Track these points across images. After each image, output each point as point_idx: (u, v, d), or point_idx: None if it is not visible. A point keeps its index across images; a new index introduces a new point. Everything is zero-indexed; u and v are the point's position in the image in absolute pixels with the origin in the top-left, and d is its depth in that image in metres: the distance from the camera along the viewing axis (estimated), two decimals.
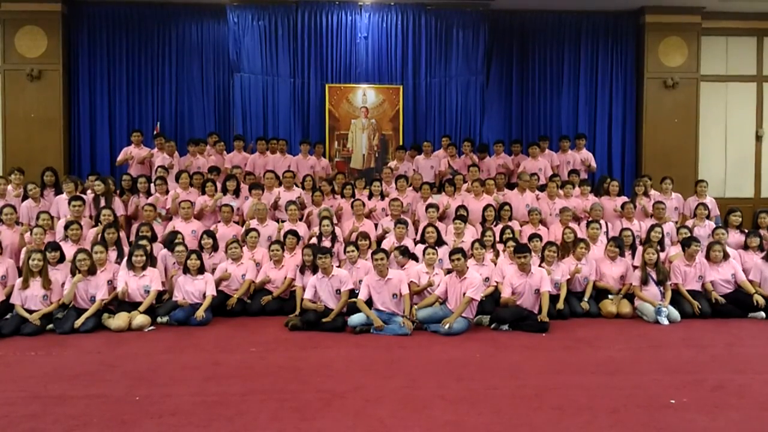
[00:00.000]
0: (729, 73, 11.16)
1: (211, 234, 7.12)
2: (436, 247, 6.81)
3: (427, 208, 7.81)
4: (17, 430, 3.66)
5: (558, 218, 7.81)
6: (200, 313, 6.13)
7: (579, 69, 10.98)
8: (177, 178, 8.23)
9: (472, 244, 6.76)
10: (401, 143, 10.36)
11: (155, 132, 10.09)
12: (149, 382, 4.48)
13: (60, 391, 4.30)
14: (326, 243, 7.09)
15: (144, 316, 6.05)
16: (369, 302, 6.12)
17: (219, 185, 8.25)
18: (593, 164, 9.58)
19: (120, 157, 9.08)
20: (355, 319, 5.99)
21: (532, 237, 7.07)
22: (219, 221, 7.68)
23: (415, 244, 7.37)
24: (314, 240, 7.26)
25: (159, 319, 6.19)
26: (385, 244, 7.26)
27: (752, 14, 10.83)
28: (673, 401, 4.11)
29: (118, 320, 5.95)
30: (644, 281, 6.54)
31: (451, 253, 6.10)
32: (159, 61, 10.63)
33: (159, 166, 8.53)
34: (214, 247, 7.07)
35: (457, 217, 7.48)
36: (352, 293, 6.25)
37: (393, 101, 10.59)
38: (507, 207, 7.83)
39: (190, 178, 8.20)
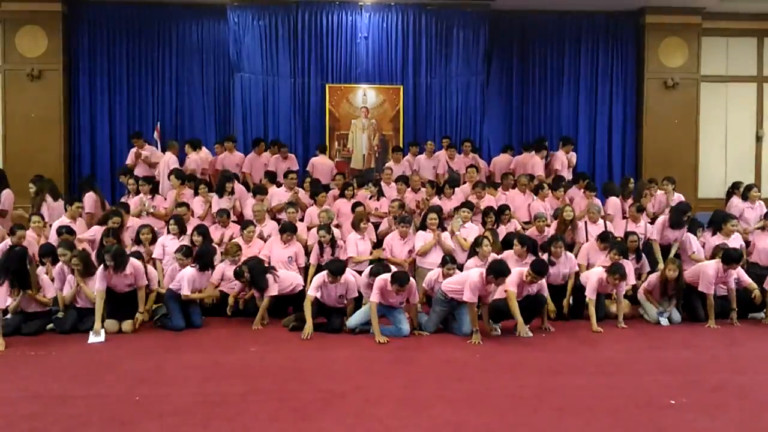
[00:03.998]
0: (729, 74, 11.16)
1: (202, 230, 6.98)
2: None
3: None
4: (17, 430, 3.66)
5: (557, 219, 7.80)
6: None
7: (579, 69, 10.97)
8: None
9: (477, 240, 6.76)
10: (401, 144, 10.36)
11: (156, 133, 10.09)
12: (149, 382, 4.48)
13: (60, 391, 4.30)
14: (327, 250, 7.00)
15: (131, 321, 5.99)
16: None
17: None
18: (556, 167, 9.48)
19: (129, 161, 9.17)
20: (354, 319, 5.96)
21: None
22: (216, 222, 7.66)
23: (416, 230, 7.36)
24: (316, 248, 7.08)
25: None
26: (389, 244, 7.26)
27: (752, 15, 10.83)
28: (673, 402, 4.11)
29: (110, 326, 5.87)
30: (663, 293, 6.40)
31: (444, 263, 6.11)
32: (159, 61, 10.63)
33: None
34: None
35: (465, 205, 7.48)
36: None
37: (393, 101, 10.59)
38: (507, 211, 7.78)
39: (191, 180, 8.24)
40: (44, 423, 3.74)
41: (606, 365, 4.93)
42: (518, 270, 5.86)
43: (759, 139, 11.22)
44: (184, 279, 6.11)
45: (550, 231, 7.70)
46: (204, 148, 9.45)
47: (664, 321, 6.21)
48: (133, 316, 6.01)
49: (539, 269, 5.71)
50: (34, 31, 10.04)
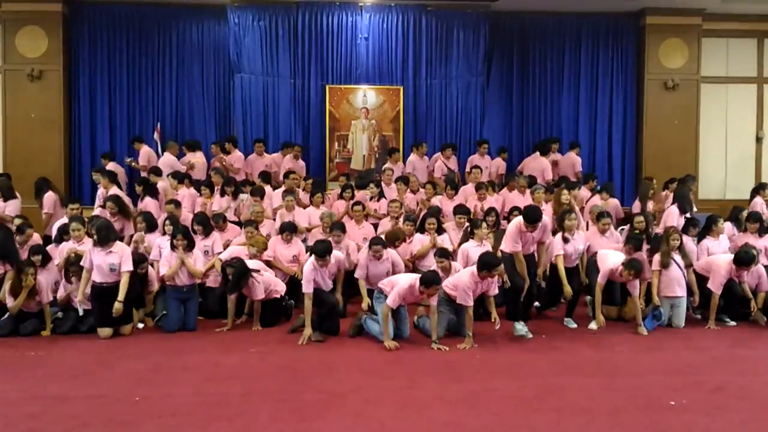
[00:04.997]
0: (729, 75, 11.16)
1: (202, 219, 6.99)
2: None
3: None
4: (17, 430, 3.66)
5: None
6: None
7: (579, 70, 10.97)
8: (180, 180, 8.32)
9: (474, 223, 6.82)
10: (401, 144, 10.37)
11: (156, 134, 10.09)
12: (149, 383, 4.48)
13: (59, 392, 4.30)
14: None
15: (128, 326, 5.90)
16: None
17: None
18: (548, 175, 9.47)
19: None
20: (375, 330, 5.74)
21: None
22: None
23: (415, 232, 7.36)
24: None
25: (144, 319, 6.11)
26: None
27: (753, 16, 10.82)
28: (673, 403, 4.11)
29: (104, 333, 5.76)
30: (665, 266, 6.27)
31: (437, 254, 6.11)
32: (159, 61, 10.62)
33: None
34: (206, 232, 6.92)
35: (460, 210, 7.45)
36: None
37: (393, 102, 10.59)
38: (515, 212, 7.68)
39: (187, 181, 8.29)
40: (44, 423, 3.75)
41: (606, 366, 4.93)
42: (516, 221, 5.69)
43: (759, 140, 11.22)
44: (161, 263, 6.10)
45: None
46: (198, 153, 9.47)
47: (643, 329, 5.99)
48: (128, 320, 5.88)
49: (532, 217, 5.50)
50: (35, 31, 10.02)
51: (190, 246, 6.23)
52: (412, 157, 9.65)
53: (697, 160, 10.85)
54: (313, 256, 5.86)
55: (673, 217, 7.35)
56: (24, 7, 9.93)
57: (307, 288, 5.72)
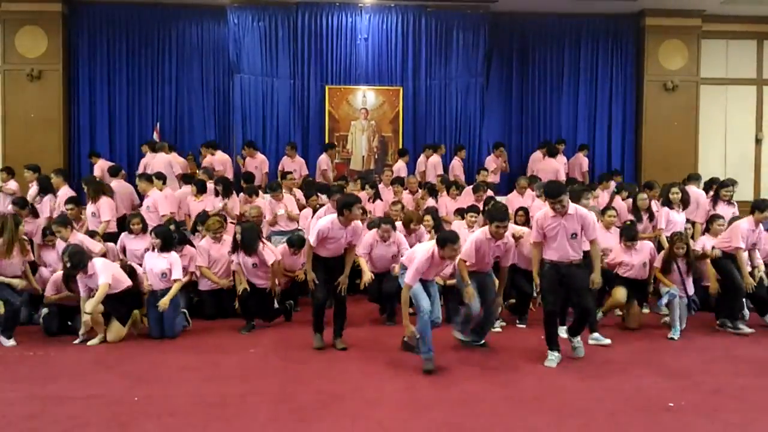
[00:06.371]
0: (729, 76, 11.18)
1: (204, 219, 6.92)
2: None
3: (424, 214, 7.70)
4: (16, 430, 3.66)
5: None
6: (164, 302, 5.64)
7: (579, 71, 11.00)
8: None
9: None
10: (401, 145, 10.38)
11: (155, 133, 10.09)
12: (148, 383, 4.48)
13: (59, 392, 4.30)
14: None
15: (118, 327, 5.69)
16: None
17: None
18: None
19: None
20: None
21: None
22: None
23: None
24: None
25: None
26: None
27: (752, 17, 10.85)
28: (671, 404, 4.11)
29: (114, 334, 5.66)
30: (666, 270, 6.20)
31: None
32: (159, 61, 10.64)
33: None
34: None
35: (471, 209, 7.40)
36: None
37: (393, 103, 10.60)
38: (521, 212, 7.60)
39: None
40: (43, 423, 3.75)
41: (604, 367, 4.93)
42: (543, 211, 5.15)
43: (758, 141, 11.25)
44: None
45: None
46: (174, 153, 9.40)
47: (663, 303, 6.07)
48: (126, 317, 5.73)
49: (553, 190, 4.88)
50: (34, 31, 10.05)
51: (165, 247, 6.02)
52: (435, 158, 9.64)
53: (697, 161, 10.87)
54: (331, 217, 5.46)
55: (662, 215, 7.31)
56: (24, 7, 9.96)
57: (312, 239, 5.34)
